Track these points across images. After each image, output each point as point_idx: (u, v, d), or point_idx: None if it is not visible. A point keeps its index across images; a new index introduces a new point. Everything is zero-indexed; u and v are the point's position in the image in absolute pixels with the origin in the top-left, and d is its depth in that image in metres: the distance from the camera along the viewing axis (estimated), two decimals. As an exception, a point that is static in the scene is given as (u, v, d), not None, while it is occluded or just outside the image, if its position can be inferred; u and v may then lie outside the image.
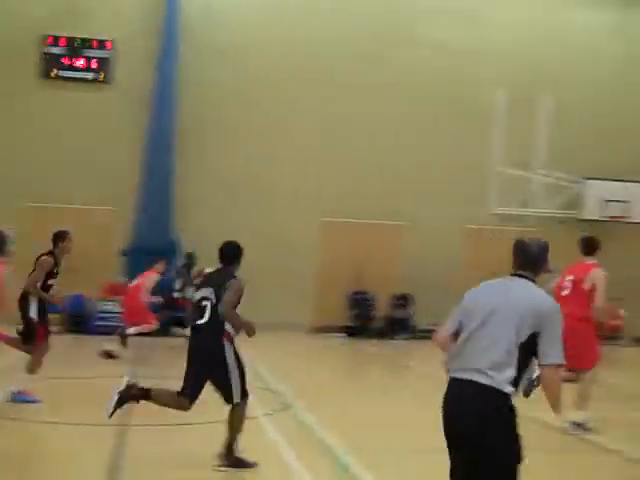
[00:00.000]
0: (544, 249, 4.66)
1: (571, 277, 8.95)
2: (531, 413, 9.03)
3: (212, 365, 6.69)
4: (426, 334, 19.08)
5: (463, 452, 4.27)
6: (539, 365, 4.29)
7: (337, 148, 21.01)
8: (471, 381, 4.25)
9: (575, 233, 20.81)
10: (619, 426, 9.41)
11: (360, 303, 20.19)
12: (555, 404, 4.30)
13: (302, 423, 8.79)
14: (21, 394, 9.19)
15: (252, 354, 10.97)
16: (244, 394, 6.76)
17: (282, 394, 10.47)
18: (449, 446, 4.35)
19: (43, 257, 9.49)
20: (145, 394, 6.68)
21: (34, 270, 9.46)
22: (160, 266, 14.76)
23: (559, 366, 4.26)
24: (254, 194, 20.34)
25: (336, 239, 20.12)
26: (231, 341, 6.73)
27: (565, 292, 8.86)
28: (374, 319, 20.26)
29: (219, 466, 6.68)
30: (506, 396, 4.22)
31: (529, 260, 4.60)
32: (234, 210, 19.96)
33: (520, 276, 4.56)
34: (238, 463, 6.70)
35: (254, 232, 18.44)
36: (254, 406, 9.49)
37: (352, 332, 19.75)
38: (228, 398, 6.70)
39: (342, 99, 20.88)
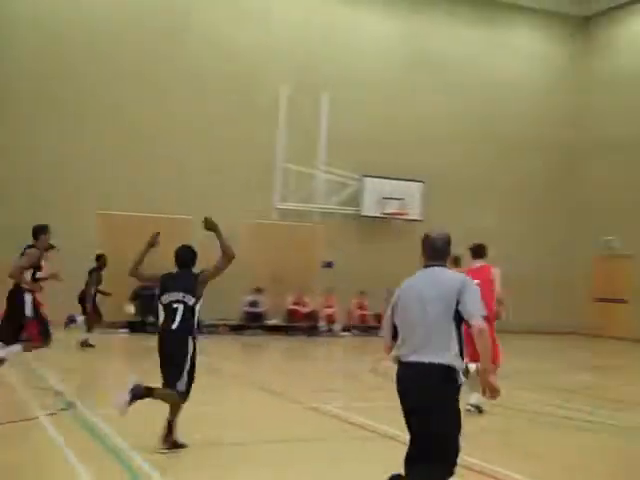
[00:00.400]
0: (448, 241, 5.38)
1: (477, 281, 9.49)
2: (312, 404, 9.33)
3: (177, 357, 7.41)
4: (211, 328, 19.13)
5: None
6: (468, 325, 5.02)
7: (131, 142, 20.45)
8: (422, 362, 5.01)
9: (356, 229, 22.03)
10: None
11: (144, 298, 19.74)
12: (485, 355, 5.01)
13: (85, 422, 8.48)
14: None
15: (29, 355, 10.48)
16: (188, 390, 7.45)
17: (63, 393, 10.04)
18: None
19: (30, 249, 9.63)
20: (149, 393, 7.34)
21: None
22: None
23: (484, 318, 5.02)
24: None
25: (118, 233, 19.38)
26: (194, 341, 7.52)
27: None
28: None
29: (161, 448, 7.27)
30: (455, 371, 4.98)
31: (437, 252, 5.34)
32: None
33: (432, 266, 5.28)
34: (176, 445, 7.37)
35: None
36: (33, 406, 9.07)
37: (134, 327, 19.30)
38: (173, 384, 7.35)
39: (151, 97, 20.52)
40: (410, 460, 5.14)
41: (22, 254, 9.69)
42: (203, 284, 7.64)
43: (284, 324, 20.75)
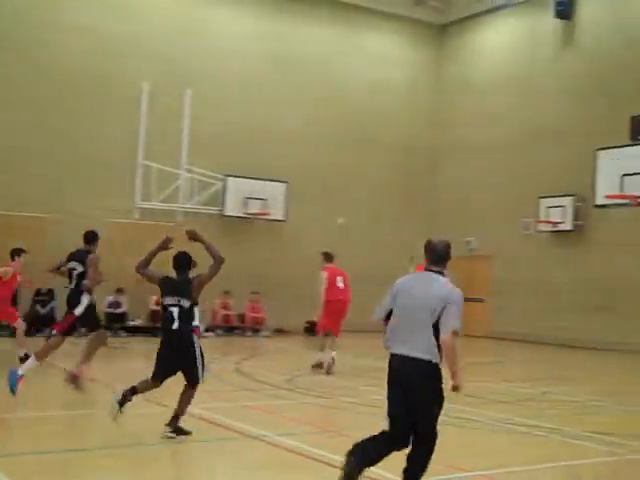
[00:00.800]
0: (448, 247, 6.05)
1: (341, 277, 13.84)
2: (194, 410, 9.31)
3: (184, 356, 8.14)
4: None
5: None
6: (440, 334, 5.74)
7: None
8: (407, 356, 5.81)
9: (220, 228, 21.94)
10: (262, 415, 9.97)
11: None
12: (452, 365, 5.78)
13: None
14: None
15: None
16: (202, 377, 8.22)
17: None
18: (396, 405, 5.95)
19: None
20: (134, 391, 8.12)
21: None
22: None
23: (454, 332, 5.71)
24: None
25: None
26: (198, 335, 8.46)
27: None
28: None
29: (167, 431, 8.03)
30: (435, 364, 5.79)
31: (438, 257, 6.00)
32: None
33: (432, 271, 5.98)
34: (181, 431, 8.09)
35: None
36: None
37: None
38: (194, 380, 8.15)
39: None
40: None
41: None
42: (199, 288, 8.30)
43: (147, 325, 20.38)
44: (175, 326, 8.08)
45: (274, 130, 23.45)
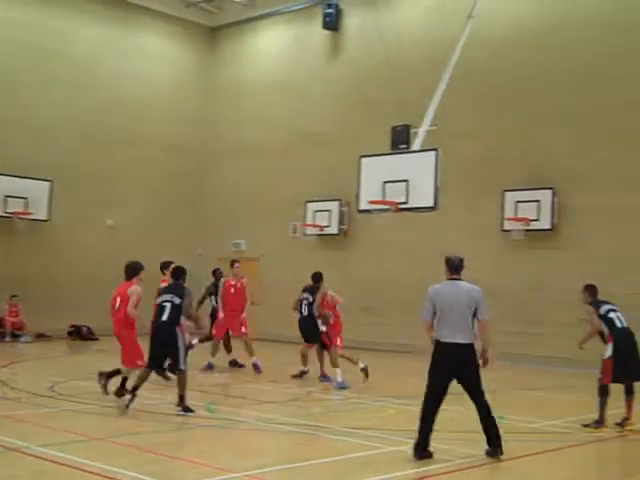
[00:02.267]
0: (462, 260, 8.41)
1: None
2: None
3: (168, 345, 10.34)
4: None
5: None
6: (479, 320, 8.19)
7: None
8: (457, 343, 8.07)
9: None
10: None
11: None
12: (488, 341, 8.28)
13: None
14: None
15: None
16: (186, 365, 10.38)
17: None
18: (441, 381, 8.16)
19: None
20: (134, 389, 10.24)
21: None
22: None
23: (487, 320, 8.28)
24: None
25: None
26: (182, 330, 10.45)
27: None
28: None
29: (177, 410, 10.20)
30: (473, 345, 8.10)
31: (456, 268, 8.37)
32: None
33: (457, 279, 8.34)
34: (187, 409, 10.20)
35: None
36: None
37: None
38: (177, 365, 10.37)
39: None
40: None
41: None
42: (188, 295, 10.52)
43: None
44: (164, 318, 10.43)
45: (37, 126, 22.33)
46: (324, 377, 14.14)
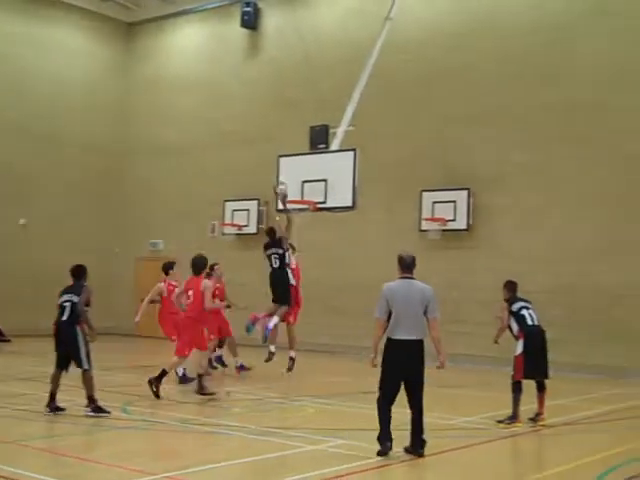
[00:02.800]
0: (414, 259, 8.50)
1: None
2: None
3: (68, 345, 10.16)
4: None
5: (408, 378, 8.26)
6: (429, 318, 8.32)
7: None
8: (412, 339, 8.19)
9: None
10: None
11: None
12: (440, 339, 8.44)
13: None
14: None
15: None
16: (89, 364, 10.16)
17: None
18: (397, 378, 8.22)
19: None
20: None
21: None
22: None
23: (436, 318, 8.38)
24: None
25: None
26: (82, 328, 10.21)
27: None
28: None
29: (86, 411, 10.03)
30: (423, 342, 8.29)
31: (411, 267, 8.46)
32: None
33: (410, 277, 8.43)
34: (99, 409, 10.05)
35: None
36: None
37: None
38: (79, 365, 10.13)
39: None
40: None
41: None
42: (85, 293, 10.24)
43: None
44: (64, 318, 10.16)
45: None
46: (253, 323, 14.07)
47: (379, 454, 8.09)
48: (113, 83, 26.18)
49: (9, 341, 20.90)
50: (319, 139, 16.08)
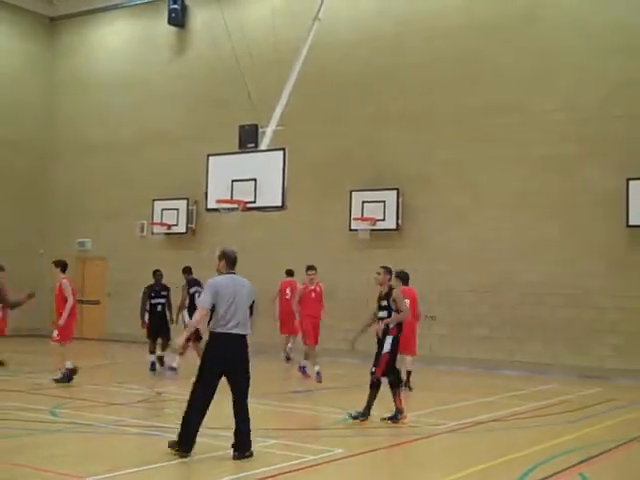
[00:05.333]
0: (235, 253, 8.52)
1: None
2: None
3: None
4: None
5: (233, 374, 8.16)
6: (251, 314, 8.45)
7: None
8: (238, 334, 8.14)
9: None
10: None
11: None
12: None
13: None
14: None
15: None
16: None
17: None
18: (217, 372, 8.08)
19: None
20: None
21: None
22: None
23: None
24: None
25: None
26: None
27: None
28: None
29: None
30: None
31: (235, 263, 8.47)
32: None
33: (234, 272, 8.42)
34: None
35: None
36: None
37: None
38: None
39: None
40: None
41: None
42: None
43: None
44: None
45: None
46: None
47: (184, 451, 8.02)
48: (36, 81, 25.60)
49: None
50: (249, 138, 16.05)
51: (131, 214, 23.50)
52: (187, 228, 22.36)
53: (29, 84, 25.39)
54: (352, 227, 19.71)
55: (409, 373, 13.64)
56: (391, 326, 10.48)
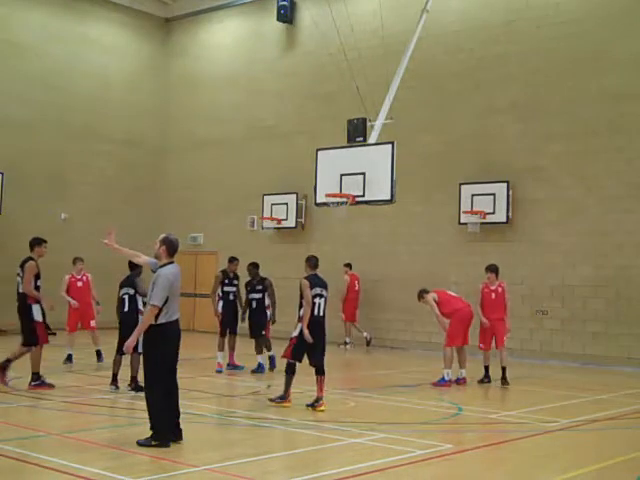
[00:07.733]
0: (178, 242, 8.55)
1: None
2: None
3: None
4: None
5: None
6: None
7: None
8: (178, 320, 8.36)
9: None
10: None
11: None
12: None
13: None
14: None
15: None
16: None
17: None
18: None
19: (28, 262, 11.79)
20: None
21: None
22: None
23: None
24: None
25: None
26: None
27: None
28: None
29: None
30: None
31: (175, 251, 8.45)
32: None
33: (173, 261, 8.46)
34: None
35: None
36: None
37: None
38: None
39: None
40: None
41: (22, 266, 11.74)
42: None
43: None
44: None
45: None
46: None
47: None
48: (151, 79, 26.36)
49: (54, 334, 21.13)
50: (357, 132, 16.07)
51: (241, 209, 23.91)
52: (296, 222, 22.58)
53: (144, 84, 26.18)
54: (461, 220, 19.45)
55: (504, 369, 13.44)
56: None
